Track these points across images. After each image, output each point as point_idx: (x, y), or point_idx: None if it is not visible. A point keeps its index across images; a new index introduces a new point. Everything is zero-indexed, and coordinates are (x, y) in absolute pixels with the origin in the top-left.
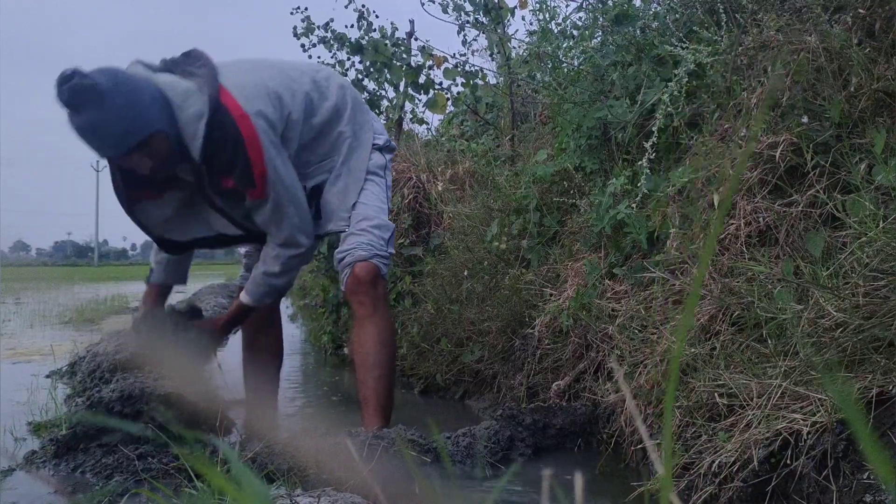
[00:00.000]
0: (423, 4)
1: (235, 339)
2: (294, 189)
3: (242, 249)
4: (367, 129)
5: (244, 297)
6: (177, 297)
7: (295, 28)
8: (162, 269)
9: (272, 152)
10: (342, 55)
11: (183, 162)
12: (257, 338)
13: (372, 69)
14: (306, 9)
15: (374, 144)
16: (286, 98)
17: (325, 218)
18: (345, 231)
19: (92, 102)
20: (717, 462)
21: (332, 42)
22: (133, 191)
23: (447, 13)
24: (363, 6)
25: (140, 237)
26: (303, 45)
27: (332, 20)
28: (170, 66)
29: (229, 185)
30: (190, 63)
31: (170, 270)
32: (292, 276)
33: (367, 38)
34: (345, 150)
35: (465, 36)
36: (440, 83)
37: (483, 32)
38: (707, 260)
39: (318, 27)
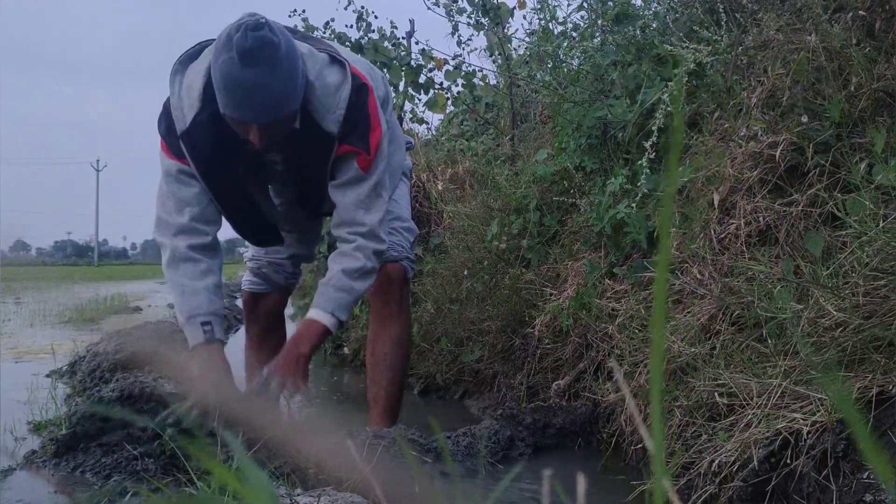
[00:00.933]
0: (427, 8)
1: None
2: (392, 176)
3: (247, 252)
4: (398, 127)
5: (325, 318)
6: None
7: (295, 27)
8: (214, 310)
9: (385, 128)
10: None
11: (297, 140)
12: (266, 338)
13: None
14: (304, 11)
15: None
16: (383, 82)
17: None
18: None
19: (267, 62)
20: (717, 461)
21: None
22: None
23: (451, 16)
24: (362, 7)
25: (140, 237)
26: None
27: (332, 20)
28: (299, 36)
29: (346, 151)
30: (293, 31)
31: (217, 304)
32: (371, 281)
33: (366, 38)
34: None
35: (459, 37)
36: (440, 83)
37: (481, 32)
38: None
39: (318, 28)
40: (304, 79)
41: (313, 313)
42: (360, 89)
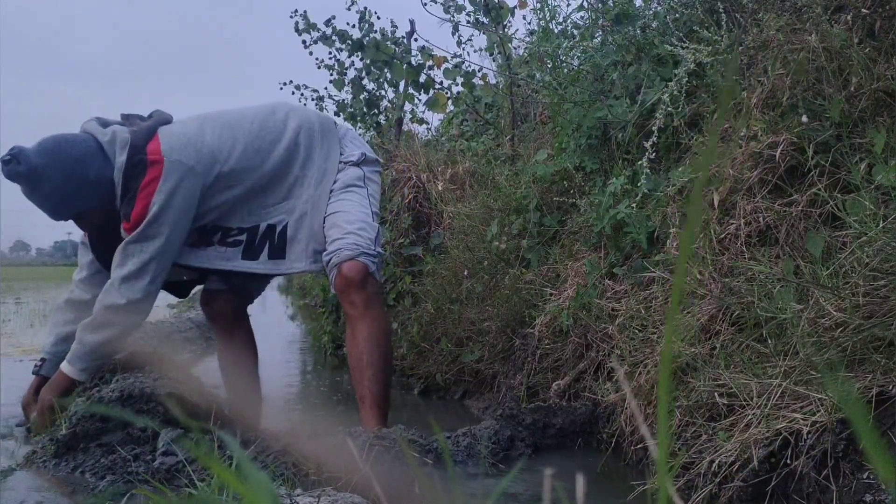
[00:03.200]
0: (424, 5)
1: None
2: (169, 246)
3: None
4: (330, 158)
5: (65, 367)
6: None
7: (296, 24)
8: (54, 351)
9: (168, 199)
10: (342, 55)
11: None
12: (232, 337)
13: (373, 68)
14: (305, 12)
15: (342, 163)
16: (221, 155)
17: (293, 256)
18: (314, 265)
19: (29, 183)
20: (717, 462)
21: (333, 39)
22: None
23: (449, 13)
24: (365, 7)
25: None
26: (304, 42)
27: (333, 17)
28: (124, 120)
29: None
30: (147, 118)
31: (58, 348)
32: (106, 331)
33: (368, 37)
34: (307, 190)
35: (459, 36)
36: (440, 82)
37: (483, 32)
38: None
39: (318, 27)
40: (98, 161)
41: (64, 366)
42: (137, 164)
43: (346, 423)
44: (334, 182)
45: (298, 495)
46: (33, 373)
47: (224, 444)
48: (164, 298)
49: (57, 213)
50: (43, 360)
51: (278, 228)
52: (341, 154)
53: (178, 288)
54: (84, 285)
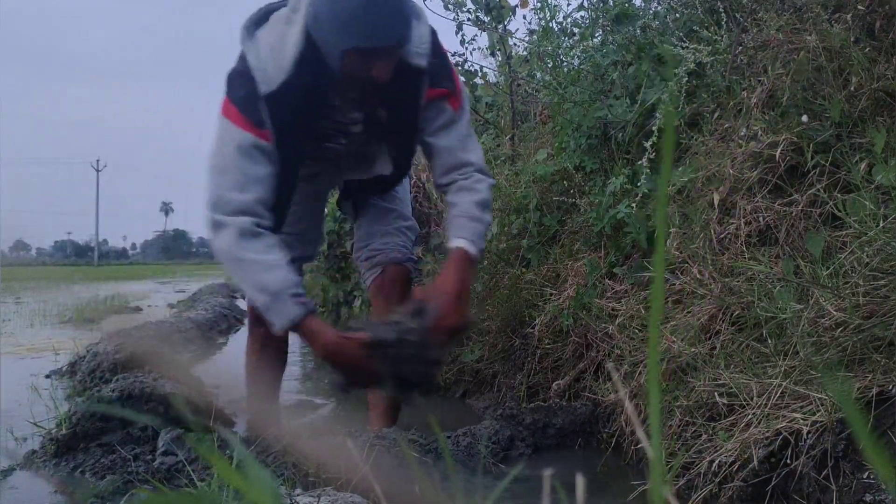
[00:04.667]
0: (423, 1)
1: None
2: None
3: None
4: None
5: (469, 246)
6: (176, 296)
7: None
8: (297, 280)
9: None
10: None
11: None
12: (269, 341)
13: None
14: None
15: None
16: None
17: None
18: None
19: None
20: (717, 461)
21: None
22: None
23: (448, 9)
24: None
25: (140, 237)
26: None
27: None
28: None
29: (436, 94)
30: None
31: (296, 275)
32: (490, 213)
33: None
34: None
35: (462, 35)
36: None
37: (483, 31)
38: (660, 251)
39: None
40: None
41: (460, 242)
42: (432, 29)
43: (347, 422)
44: None
45: (298, 495)
46: (308, 311)
47: (225, 443)
48: (164, 298)
49: (408, 20)
50: (299, 294)
51: None
52: None
53: None
54: (262, 206)
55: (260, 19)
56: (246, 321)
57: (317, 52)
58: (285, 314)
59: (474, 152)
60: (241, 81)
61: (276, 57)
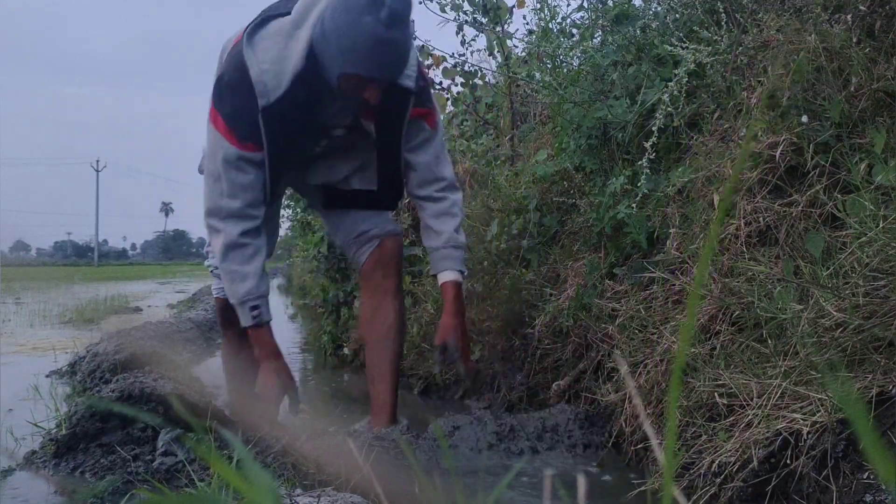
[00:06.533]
0: (420, 2)
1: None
2: None
3: (211, 261)
4: None
5: (456, 276)
6: (176, 296)
7: None
8: (261, 292)
9: None
10: None
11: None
12: (243, 340)
13: None
14: None
15: None
16: None
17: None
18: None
19: (405, 24)
20: (717, 462)
21: None
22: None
23: (445, 12)
24: None
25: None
26: None
27: None
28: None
29: (418, 113)
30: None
31: (263, 287)
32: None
33: None
34: None
35: (463, 36)
36: (440, 83)
37: (482, 32)
38: (707, 261)
39: None
40: None
41: (449, 275)
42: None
43: (347, 422)
44: None
45: (298, 495)
46: (256, 323)
47: (224, 444)
48: (164, 298)
49: (411, 59)
50: (257, 306)
51: None
52: None
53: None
54: (251, 208)
55: (258, 26)
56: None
57: (317, 67)
58: (243, 320)
59: (447, 168)
60: (235, 93)
61: (277, 71)
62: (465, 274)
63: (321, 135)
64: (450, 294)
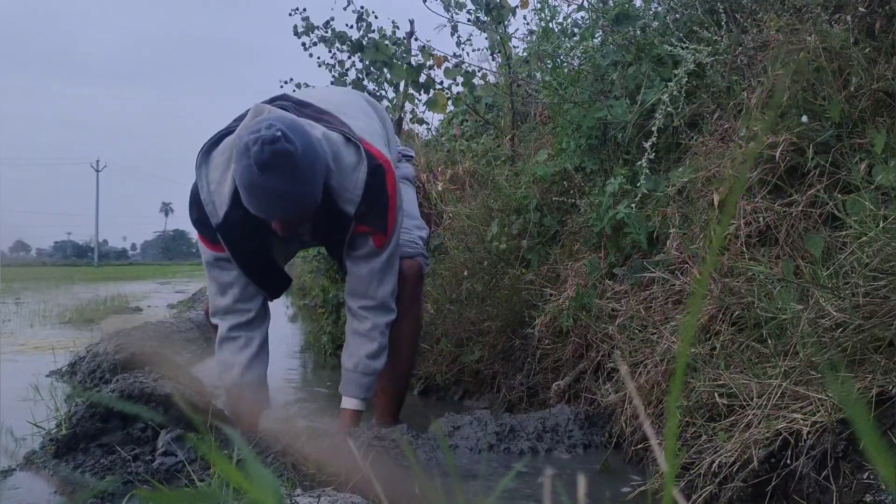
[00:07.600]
0: (424, 1)
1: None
2: (404, 189)
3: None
4: (391, 145)
5: (357, 405)
6: (176, 297)
7: (295, 27)
8: (244, 381)
9: (399, 202)
10: (342, 55)
11: (319, 217)
12: None
13: (372, 68)
14: (304, 9)
15: (399, 153)
16: (381, 124)
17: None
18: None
19: (286, 169)
20: (717, 462)
21: (332, 40)
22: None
23: (449, 12)
24: (362, 7)
25: (140, 237)
26: (304, 44)
27: (332, 19)
28: (298, 110)
29: (362, 231)
30: (304, 106)
31: (247, 375)
32: (385, 356)
33: (367, 38)
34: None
35: (458, 37)
36: (440, 82)
37: (484, 32)
38: (711, 263)
39: (318, 27)
40: (325, 169)
41: (349, 402)
42: (376, 171)
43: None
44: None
45: (298, 495)
46: (230, 413)
47: (224, 443)
48: (164, 299)
49: (306, 203)
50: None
51: None
52: (398, 145)
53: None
54: (240, 303)
55: (213, 144)
56: None
57: None
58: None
59: (382, 289)
60: (193, 206)
61: (219, 192)
62: (369, 398)
63: (284, 239)
64: (344, 421)
